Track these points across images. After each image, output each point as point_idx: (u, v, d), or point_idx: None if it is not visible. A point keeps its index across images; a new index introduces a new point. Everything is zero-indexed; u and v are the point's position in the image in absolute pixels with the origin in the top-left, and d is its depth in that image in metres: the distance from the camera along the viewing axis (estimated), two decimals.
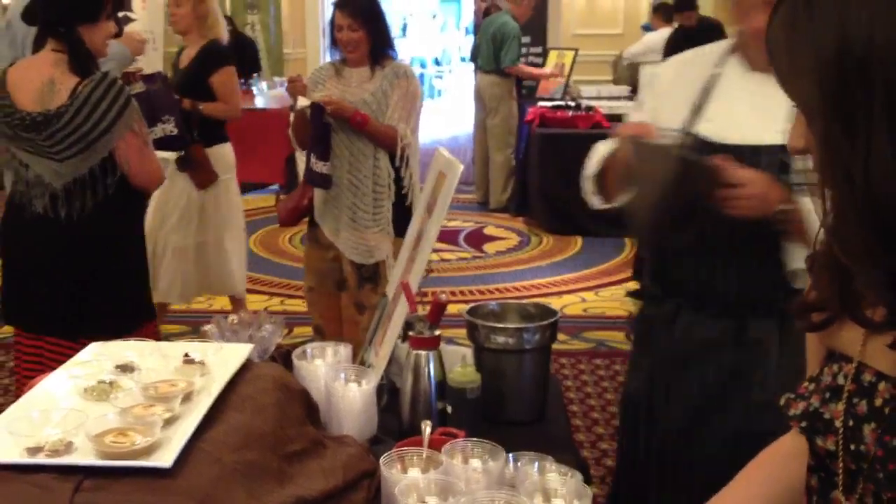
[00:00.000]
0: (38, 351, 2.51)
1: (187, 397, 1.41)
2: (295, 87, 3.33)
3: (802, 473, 1.04)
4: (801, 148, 0.88)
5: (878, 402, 0.90)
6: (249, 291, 4.63)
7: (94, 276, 2.52)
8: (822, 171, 0.84)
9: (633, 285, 5.31)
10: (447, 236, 6.56)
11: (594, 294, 5.39)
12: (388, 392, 1.92)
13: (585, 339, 4.68)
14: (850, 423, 0.91)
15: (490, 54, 7.17)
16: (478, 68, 7.45)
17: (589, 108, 6.84)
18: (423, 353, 1.80)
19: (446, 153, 2.09)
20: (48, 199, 2.44)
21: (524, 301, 2.12)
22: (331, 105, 3.14)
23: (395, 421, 1.80)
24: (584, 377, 4.18)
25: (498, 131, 7.31)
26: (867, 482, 0.90)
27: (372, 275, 3.29)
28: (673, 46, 7.23)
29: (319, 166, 3.22)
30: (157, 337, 2.70)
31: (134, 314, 2.63)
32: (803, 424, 0.96)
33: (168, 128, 3.58)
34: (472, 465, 1.47)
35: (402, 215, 3.18)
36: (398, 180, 3.24)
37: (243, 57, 7.01)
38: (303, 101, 3.20)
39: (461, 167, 1.99)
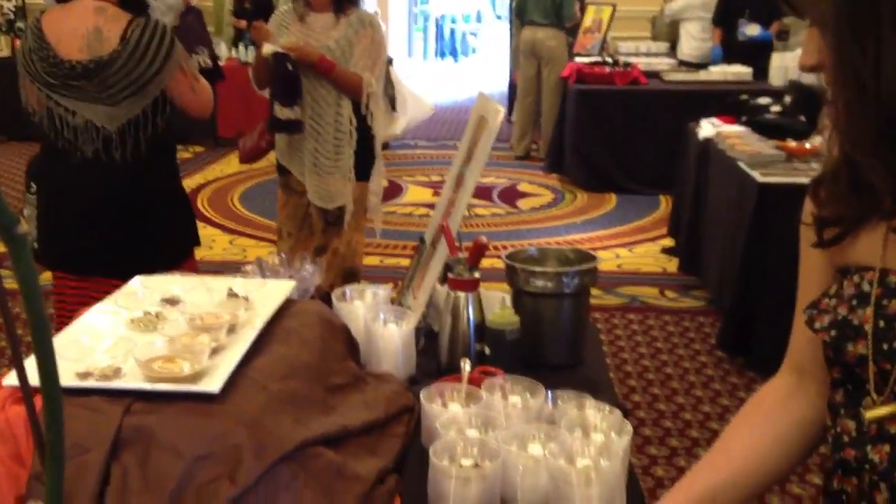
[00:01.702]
0: (83, 293, 2.56)
1: (232, 329, 1.43)
2: (260, 33, 3.30)
3: (791, 419, 1.09)
4: (814, 64, 0.96)
5: None
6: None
7: (146, 214, 2.60)
8: (835, 80, 0.92)
9: (667, 242, 5.28)
10: (481, 192, 6.55)
11: (628, 251, 5.37)
12: (426, 335, 1.93)
13: (619, 294, 4.67)
14: (881, 323, 0.94)
15: (549, 7, 7.11)
16: (525, 23, 7.37)
17: (627, 65, 6.75)
18: (462, 294, 1.80)
19: (489, 98, 2.08)
20: (101, 143, 2.50)
21: (563, 247, 2.11)
22: (295, 51, 3.15)
23: (434, 363, 1.81)
24: (618, 331, 4.18)
25: (555, 84, 7.24)
26: None
27: (337, 219, 3.35)
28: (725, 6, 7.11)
29: (285, 113, 3.23)
30: (198, 271, 2.77)
31: (183, 247, 2.74)
32: (833, 333, 0.98)
33: (202, 59, 3.61)
34: (511, 400, 1.48)
35: (365, 161, 3.24)
36: (361, 128, 3.26)
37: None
38: (269, 48, 3.19)
39: (503, 111, 1.98)
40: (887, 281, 0.95)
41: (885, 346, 0.93)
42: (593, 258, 1.94)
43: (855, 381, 0.99)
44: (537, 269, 1.89)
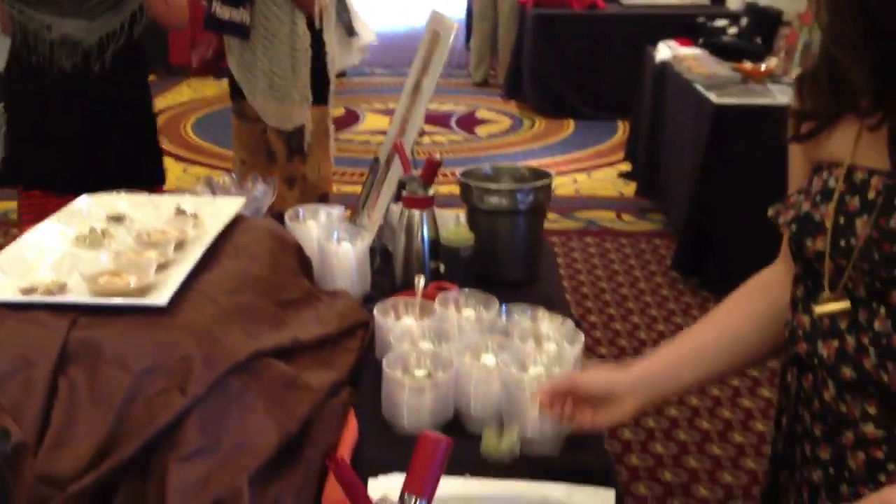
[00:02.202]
0: (42, 209, 2.52)
1: (180, 245, 1.40)
2: None
3: (773, 302, 1.11)
4: None
5: (871, 195, 0.95)
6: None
7: (120, 129, 2.56)
8: None
9: (625, 167, 5.30)
10: (438, 119, 6.50)
11: (586, 176, 5.38)
12: (381, 255, 1.92)
13: (576, 218, 4.69)
14: (841, 220, 0.96)
15: None
16: None
17: None
18: (416, 212, 1.79)
19: (442, 14, 2.03)
20: (80, 57, 2.46)
21: (517, 165, 2.10)
22: None
23: (388, 282, 1.81)
24: (575, 254, 4.21)
25: (512, 8, 7.12)
26: (856, 272, 0.95)
27: (299, 146, 3.29)
28: None
29: (227, 12, 3.08)
30: None
31: (154, 170, 2.72)
32: (794, 228, 1.01)
33: None
34: (464, 313, 1.48)
35: (320, 81, 3.16)
36: (315, 46, 3.18)
37: None
38: None
39: (456, 26, 1.94)
40: (853, 178, 0.97)
41: (843, 243, 0.95)
42: (548, 175, 1.93)
43: (814, 276, 1.01)
44: (492, 186, 1.88)
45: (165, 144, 5.89)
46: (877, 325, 0.95)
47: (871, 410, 0.96)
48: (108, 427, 1.08)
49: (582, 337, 1.37)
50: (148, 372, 1.11)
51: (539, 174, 1.96)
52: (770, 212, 1.06)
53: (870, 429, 0.96)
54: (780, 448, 1.12)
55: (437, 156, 1.82)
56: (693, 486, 2.62)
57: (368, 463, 1.19)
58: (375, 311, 1.47)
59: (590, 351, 3.22)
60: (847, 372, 0.97)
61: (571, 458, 1.24)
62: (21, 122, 2.58)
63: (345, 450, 1.18)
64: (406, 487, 0.84)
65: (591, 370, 1.17)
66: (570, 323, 1.41)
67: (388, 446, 1.25)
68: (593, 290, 3.83)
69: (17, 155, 2.60)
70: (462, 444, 1.22)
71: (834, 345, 0.98)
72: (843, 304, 0.97)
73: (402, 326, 1.43)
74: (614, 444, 2.76)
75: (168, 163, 5.51)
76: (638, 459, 2.73)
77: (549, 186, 1.90)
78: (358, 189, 2.23)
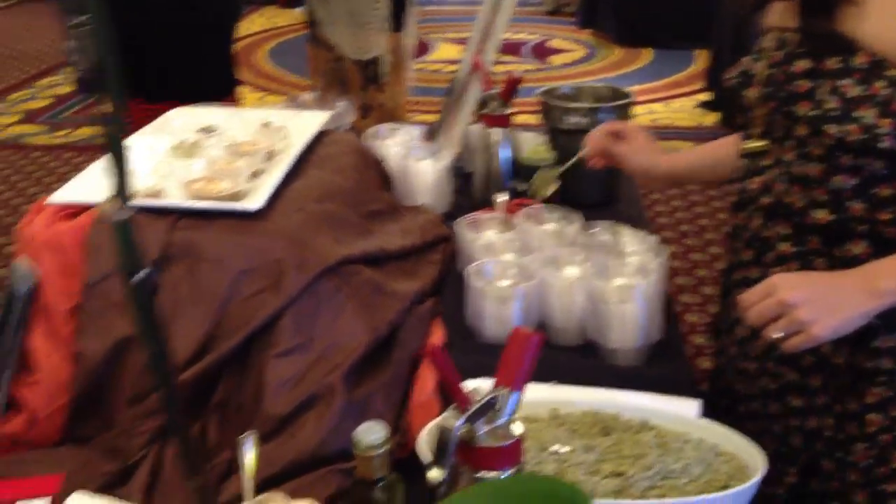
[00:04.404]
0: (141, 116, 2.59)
1: (269, 156, 1.43)
2: None
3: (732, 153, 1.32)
4: None
5: (790, 48, 1.13)
6: None
7: (198, 37, 2.59)
8: None
9: (704, 97, 5.17)
10: (510, 48, 6.40)
11: (663, 105, 5.27)
12: (460, 176, 1.93)
13: None
14: (767, 72, 1.15)
15: None
16: None
17: None
18: (495, 130, 1.79)
19: None
20: None
21: (596, 84, 2.07)
22: None
23: (468, 202, 1.82)
24: (655, 192, 4.15)
25: None
26: (775, 114, 1.14)
27: (375, 76, 3.27)
28: None
29: None
30: None
31: (228, 81, 2.76)
32: (735, 81, 1.21)
33: None
34: (546, 227, 1.49)
35: (397, 8, 3.13)
36: None
37: None
38: None
39: None
40: (783, 37, 1.15)
41: (770, 90, 1.14)
42: (627, 95, 1.91)
43: (751, 124, 1.21)
44: (572, 105, 1.87)
45: (241, 73, 5.97)
46: (786, 157, 1.13)
47: (785, 231, 1.15)
48: (208, 324, 1.12)
49: (666, 249, 1.36)
50: (244, 273, 1.15)
51: (619, 94, 1.94)
52: (724, 76, 1.26)
53: (785, 247, 1.15)
54: (724, 279, 1.32)
55: (517, 73, 1.81)
56: None
57: None
58: (457, 226, 1.48)
59: (677, 290, 3.20)
60: (766, 200, 1.17)
61: (656, 370, 1.25)
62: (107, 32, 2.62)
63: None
64: (498, 380, 0.86)
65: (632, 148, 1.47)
66: (652, 237, 1.41)
67: (473, 354, 1.27)
68: (671, 221, 3.79)
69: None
70: (547, 354, 1.25)
71: (757, 180, 1.19)
72: (762, 143, 1.17)
73: (485, 239, 1.44)
74: (688, 349, 2.76)
75: (244, 91, 5.60)
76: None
77: (629, 105, 1.88)
78: (429, 119, 2.22)
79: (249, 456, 0.92)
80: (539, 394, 1.07)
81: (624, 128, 1.52)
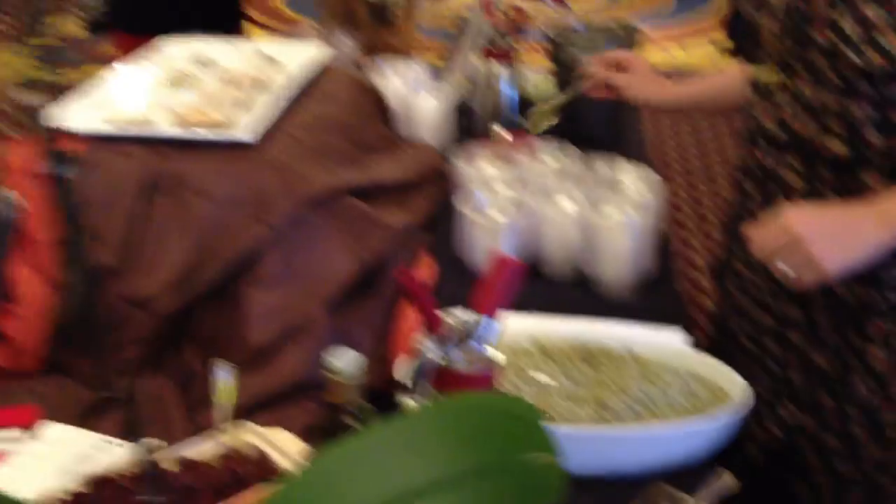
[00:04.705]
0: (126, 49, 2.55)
1: (264, 87, 1.41)
2: None
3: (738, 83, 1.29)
4: None
5: None
6: None
7: None
8: None
9: (725, 42, 5.06)
10: None
11: (683, 50, 5.17)
12: (465, 112, 1.90)
13: None
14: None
15: None
16: None
17: None
18: (498, 64, 1.76)
19: None
20: None
21: (608, 22, 2.02)
22: None
23: (471, 138, 1.79)
24: (664, 129, 4.09)
25: None
26: (788, 42, 1.10)
27: (382, 15, 3.20)
28: None
29: None
30: None
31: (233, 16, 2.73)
32: (750, 7, 1.18)
33: None
34: (543, 160, 1.46)
35: None
36: None
37: None
38: None
39: None
40: None
41: (787, 19, 1.10)
42: (636, 29, 1.87)
43: (765, 54, 1.17)
44: (573, 35, 1.83)
45: (253, 14, 5.91)
46: (801, 86, 1.08)
47: (796, 164, 1.10)
48: (193, 253, 1.11)
49: (663, 187, 1.34)
50: (230, 202, 1.14)
51: (630, 30, 1.90)
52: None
53: (795, 180, 1.11)
54: (730, 215, 1.28)
55: (522, 6, 1.77)
56: None
57: (444, 300, 1.21)
58: (454, 158, 1.46)
59: (678, 226, 3.17)
60: (776, 132, 1.12)
61: (648, 303, 1.24)
62: None
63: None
64: (475, 306, 0.85)
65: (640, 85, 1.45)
66: (650, 172, 1.39)
67: (465, 286, 1.26)
68: (683, 167, 3.74)
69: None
70: (539, 286, 1.24)
71: (769, 112, 1.13)
72: (777, 77, 1.12)
73: (480, 171, 1.42)
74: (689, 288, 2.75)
75: (254, 31, 5.55)
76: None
77: (633, 37, 1.84)
78: (442, 64, 2.19)
79: (222, 384, 0.92)
80: (524, 324, 1.07)
81: (625, 58, 1.49)
